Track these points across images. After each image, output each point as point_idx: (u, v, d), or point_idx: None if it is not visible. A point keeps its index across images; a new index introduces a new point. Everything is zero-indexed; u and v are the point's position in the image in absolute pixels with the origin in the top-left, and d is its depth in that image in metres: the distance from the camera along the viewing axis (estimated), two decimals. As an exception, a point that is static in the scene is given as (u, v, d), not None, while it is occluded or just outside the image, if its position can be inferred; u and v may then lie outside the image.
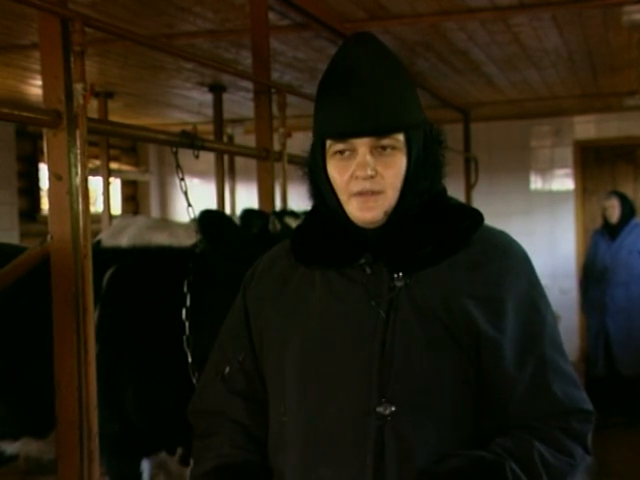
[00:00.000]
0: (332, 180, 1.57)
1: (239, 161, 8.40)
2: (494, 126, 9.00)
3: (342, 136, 1.53)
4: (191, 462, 1.85)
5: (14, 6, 3.89)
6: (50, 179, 2.54)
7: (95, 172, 6.87)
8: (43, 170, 7.64)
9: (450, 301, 1.51)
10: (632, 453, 5.95)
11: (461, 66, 6.27)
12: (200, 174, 8.72)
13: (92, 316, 2.59)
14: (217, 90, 6.57)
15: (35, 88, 6.21)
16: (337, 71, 1.56)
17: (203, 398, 1.75)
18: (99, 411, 2.58)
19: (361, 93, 1.51)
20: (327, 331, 1.56)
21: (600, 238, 6.89)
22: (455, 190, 6.59)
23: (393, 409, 1.47)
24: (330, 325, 1.56)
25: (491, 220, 1.68)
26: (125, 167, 9.29)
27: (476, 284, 1.53)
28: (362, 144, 1.52)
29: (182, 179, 3.18)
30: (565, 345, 1.61)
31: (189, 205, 3.14)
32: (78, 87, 2.49)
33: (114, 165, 8.47)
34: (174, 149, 3.12)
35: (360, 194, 1.54)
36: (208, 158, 6.02)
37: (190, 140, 3.17)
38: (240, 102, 7.19)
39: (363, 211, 1.55)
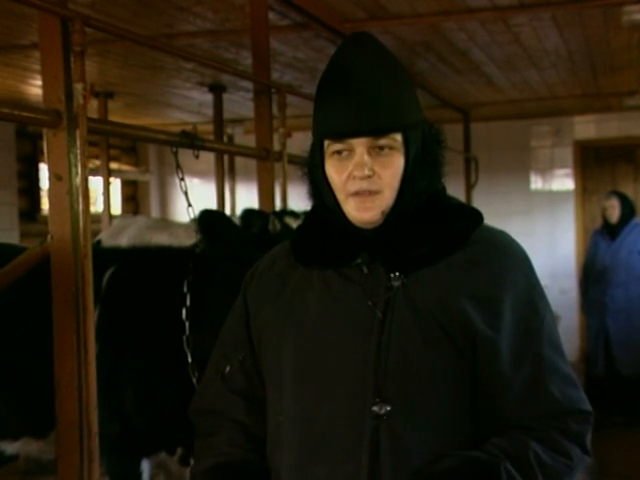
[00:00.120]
0: (330, 180, 1.57)
1: (239, 161, 8.40)
2: (494, 126, 9.00)
3: (339, 136, 1.54)
4: (191, 462, 1.85)
5: (14, 6, 3.89)
6: (50, 179, 2.54)
7: (95, 172, 6.87)
8: (43, 170, 7.64)
9: (447, 301, 1.51)
10: (632, 453, 5.94)
11: (461, 66, 6.27)
12: (200, 174, 8.72)
13: (92, 316, 2.59)
14: (217, 90, 6.57)
15: (35, 88, 6.22)
16: (335, 71, 1.57)
17: (204, 397, 1.76)
18: (99, 411, 2.58)
19: (358, 93, 1.52)
20: (324, 331, 1.56)
21: (600, 238, 6.89)
22: (455, 190, 6.60)
23: (388, 409, 1.48)
24: (327, 325, 1.56)
25: (491, 220, 1.68)
26: (125, 167, 9.29)
27: (474, 284, 1.53)
28: (359, 144, 1.53)
29: (182, 179, 3.18)
30: (565, 345, 1.60)
31: (189, 205, 3.14)
32: (78, 87, 2.49)
33: (114, 165, 8.47)
34: (174, 149, 3.12)
35: (357, 194, 1.54)
36: (208, 158, 6.02)
37: (190, 140, 3.17)
38: (240, 102, 7.19)
39: (360, 211, 1.55)
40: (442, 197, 1.63)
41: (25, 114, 2.49)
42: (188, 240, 3.20)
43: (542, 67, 6.39)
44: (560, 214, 8.91)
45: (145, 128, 3.99)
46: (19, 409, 3.22)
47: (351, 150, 1.54)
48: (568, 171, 8.93)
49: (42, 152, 2.74)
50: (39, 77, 2.74)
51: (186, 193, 3.16)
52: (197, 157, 3.22)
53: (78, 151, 2.52)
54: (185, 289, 2.99)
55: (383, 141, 1.53)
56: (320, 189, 1.60)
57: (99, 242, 3.77)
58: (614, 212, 6.76)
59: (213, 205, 6.45)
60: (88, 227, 2.55)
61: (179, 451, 3.12)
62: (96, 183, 7.45)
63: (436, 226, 1.58)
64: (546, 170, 8.99)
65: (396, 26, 5.00)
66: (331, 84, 1.56)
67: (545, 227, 8.93)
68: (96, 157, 7.01)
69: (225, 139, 7.57)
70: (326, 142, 1.57)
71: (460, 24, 5.00)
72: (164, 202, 9.86)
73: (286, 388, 1.58)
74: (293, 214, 3.10)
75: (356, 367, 1.51)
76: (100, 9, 4.36)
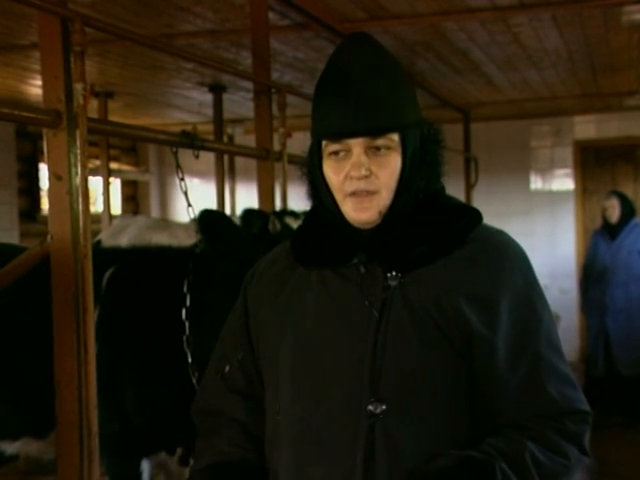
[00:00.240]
0: (328, 180, 1.58)
1: (239, 161, 8.40)
2: (494, 126, 9.00)
3: (336, 136, 1.54)
4: (191, 462, 1.86)
5: (14, 6, 3.89)
6: (50, 179, 2.54)
7: (95, 172, 6.87)
8: (43, 170, 7.64)
9: (443, 300, 1.51)
10: (632, 453, 5.94)
11: (461, 66, 6.27)
12: (200, 174, 8.72)
13: (92, 316, 2.59)
14: (217, 90, 6.57)
15: (35, 88, 6.22)
16: (332, 72, 1.57)
17: (204, 397, 1.76)
18: (99, 411, 2.58)
19: (355, 93, 1.52)
20: (321, 330, 1.57)
21: (600, 238, 6.89)
22: (455, 190, 6.60)
23: (384, 407, 1.48)
24: (324, 324, 1.57)
25: (491, 220, 1.68)
26: (125, 167, 9.30)
27: (471, 283, 1.53)
28: (356, 144, 1.53)
29: (182, 179, 3.18)
30: (565, 345, 1.60)
31: (189, 205, 3.14)
32: (78, 87, 2.49)
33: (114, 165, 8.47)
34: (174, 149, 3.12)
35: (355, 194, 1.54)
36: (208, 158, 6.02)
37: (190, 140, 3.17)
38: (240, 102, 7.19)
39: (358, 212, 1.55)
40: (441, 197, 1.63)
41: (25, 114, 2.49)
42: (188, 240, 3.20)
43: (542, 67, 6.39)
44: (560, 214, 8.91)
45: (145, 128, 3.99)
46: (19, 409, 3.22)
47: (348, 150, 1.54)
48: (568, 171, 8.93)
49: (42, 152, 2.74)
50: (39, 77, 2.74)
51: (186, 193, 3.16)
52: (197, 157, 3.22)
53: (78, 151, 2.52)
54: (185, 289, 2.99)
55: (380, 141, 1.53)
56: (318, 189, 1.61)
57: (99, 242, 3.77)
58: (614, 212, 6.76)
59: (213, 205, 6.45)
60: (88, 227, 2.55)
61: (179, 451, 3.12)
62: (96, 183, 7.45)
63: (434, 226, 1.58)
64: (546, 170, 9.00)
65: (396, 26, 5.00)
66: (328, 85, 1.56)
67: (545, 227, 8.93)
68: (96, 157, 7.01)
69: (225, 139, 7.57)
70: (324, 142, 1.57)
71: (460, 24, 5.00)
72: (164, 202, 9.86)
73: (283, 387, 1.59)
74: (293, 214, 3.10)
75: (352, 367, 1.51)
76: (100, 9, 4.36)
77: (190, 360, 2.95)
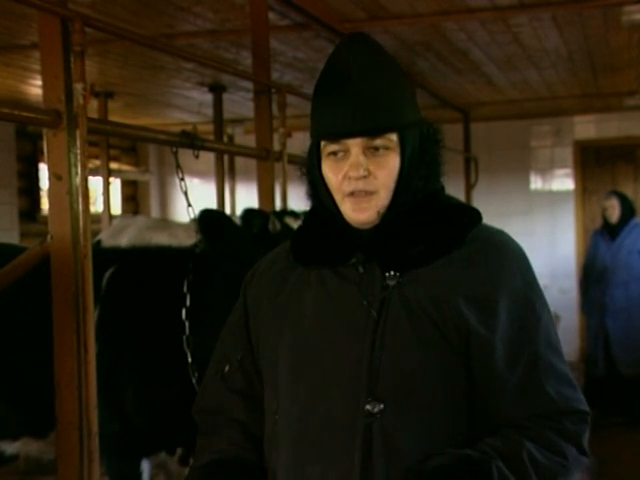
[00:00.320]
0: (327, 180, 1.58)
1: (239, 161, 8.40)
2: (494, 126, 9.00)
3: (334, 137, 1.54)
4: (191, 461, 1.86)
5: (14, 6, 3.89)
6: (50, 179, 2.55)
7: (95, 172, 6.87)
8: (43, 170, 7.64)
9: (442, 300, 1.51)
10: (632, 453, 5.94)
11: (461, 66, 6.27)
12: (200, 174, 8.72)
13: (92, 316, 2.59)
14: (217, 90, 6.57)
15: (35, 88, 6.22)
16: (330, 73, 1.57)
17: (204, 397, 1.77)
18: (99, 411, 2.58)
19: (353, 94, 1.52)
20: (320, 330, 1.57)
21: (600, 238, 6.89)
22: (455, 190, 6.60)
23: (381, 407, 1.48)
24: (323, 324, 1.57)
25: (491, 220, 1.68)
26: (125, 167, 9.29)
27: (470, 283, 1.53)
28: (355, 145, 1.53)
29: (182, 179, 3.18)
30: (565, 345, 1.60)
31: (189, 205, 3.14)
32: (78, 87, 2.49)
33: (114, 165, 8.47)
34: (174, 149, 3.13)
35: (353, 194, 1.54)
36: (208, 158, 6.02)
37: (190, 140, 3.17)
38: (240, 102, 7.19)
39: (357, 212, 1.55)
40: (440, 197, 1.63)
41: (25, 114, 2.49)
42: (188, 240, 3.20)
43: (542, 67, 6.39)
44: (560, 214, 8.91)
45: (145, 128, 3.99)
46: (19, 409, 3.22)
47: (347, 151, 1.54)
48: (568, 171, 8.93)
49: (42, 152, 2.74)
50: (39, 77, 2.74)
51: (186, 193, 3.16)
52: (197, 157, 3.23)
53: (78, 151, 2.52)
54: (185, 289, 2.99)
55: (378, 141, 1.53)
56: (318, 190, 1.61)
57: (99, 242, 3.77)
58: (614, 212, 6.76)
59: (213, 205, 6.45)
60: (88, 227, 2.55)
61: (179, 451, 3.12)
62: (96, 183, 7.45)
63: (433, 225, 1.58)
64: (546, 170, 9.00)
65: (396, 26, 5.00)
66: (326, 85, 1.57)
67: (545, 227, 8.93)
68: (96, 157, 7.01)
69: (225, 139, 7.57)
70: (322, 143, 1.57)
71: (460, 24, 5.00)
72: (164, 202, 9.86)
73: (282, 387, 1.59)
74: (293, 214, 3.10)
75: (350, 366, 1.51)
76: (100, 9, 4.36)
77: (190, 360, 2.95)
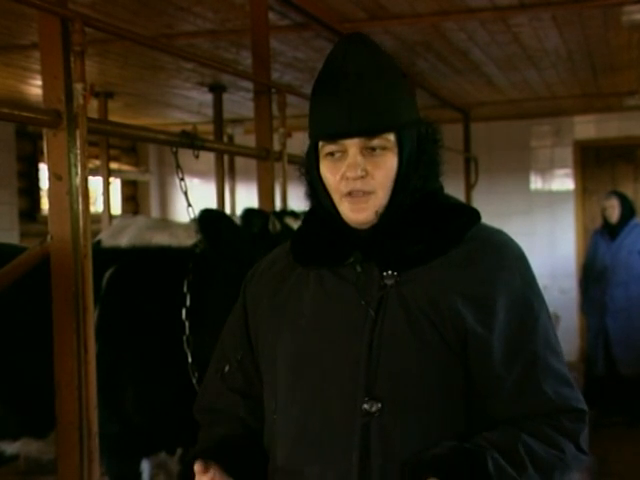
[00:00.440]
0: (325, 181, 1.58)
1: (239, 161, 8.40)
2: (494, 126, 9.00)
3: (332, 137, 1.55)
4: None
5: (14, 6, 3.89)
6: (50, 179, 2.55)
7: (95, 172, 6.87)
8: (43, 170, 7.64)
9: (439, 299, 1.51)
10: (632, 453, 5.94)
11: (461, 66, 6.27)
12: (200, 174, 8.72)
13: (92, 316, 2.59)
14: (217, 90, 6.57)
15: (35, 88, 6.21)
16: (327, 73, 1.58)
17: (205, 396, 1.78)
18: (99, 411, 2.58)
19: (350, 94, 1.52)
20: (318, 330, 1.57)
21: (600, 238, 6.89)
22: (455, 190, 6.58)
23: (379, 406, 1.48)
24: (321, 324, 1.57)
25: (491, 220, 1.68)
26: (125, 167, 9.30)
27: (468, 282, 1.53)
28: (352, 145, 1.53)
29: (182, 179, 3.18)
30: (565, 345, 1.59)
31: (189, 205, 3.14)
32: (78, 87, 2.49)
33: (114, 165, 8.47)
34: (174, 149, 3.13)
35: (351, 194, 1.55)
36: (208, 158, 6.02)
37: (190, 140, 3.17)
38: (240, 102, 7.19)
39: (355, 212, 1.56)
40: (439, 196, 1.63)
41: (25, 114, 2.49)
42: (188, 240, 3.20)
43: (542, 67, 6.39)
44: (560, 214, 8.91)
45: (145, 128, 3.99)
46: (19, 409, 3.22)
47: (344, 151, 1.55)
48: (568, 171, 8.93)
49: (42, 152, 2.74)
50: (39, 77, 2.74)
51: (186, 193, 3.16)
52: (197, 157, 3.23)
53: (78, 151, 2.52)
54: (185, 289, 2.99)
55: (375, 141, 1.54)
56: (316, 190, 1.61)
57: (99, 242, 3.77)
58: (614, 212, 6.76)
59: (213, 205, 6.45)
60: (88, 227, 2.55)
61: (179, 451, 3.12)
62: (96, 183, 7.45)
63: (431, 225, 1.58)
64: (546, 170, 9.00)
65: (396, 26, 5.00)
66: (324, 86, 1.57)
67: (545, 227, 8.93)
68: (96, 157, 7.01)
69: (225, 139, 7.57)
70: (320, 143, 1.58)
71: (460, 24, 5.00)
72: (164, 202, 9.86)
73: (280, 387, 1.60)
74: (293, 214, 3.10)
75: (349, 366, 1.51)
76: (100, 9, 4.36)
77: (190, 360, 2.95)
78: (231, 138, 8.49)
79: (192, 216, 3.08)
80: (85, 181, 2.55)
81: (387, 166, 1.55)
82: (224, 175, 6.90)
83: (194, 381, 2.93)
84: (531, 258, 1.64)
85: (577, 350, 8.29)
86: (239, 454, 1.62)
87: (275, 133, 4.10)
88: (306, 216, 1.72)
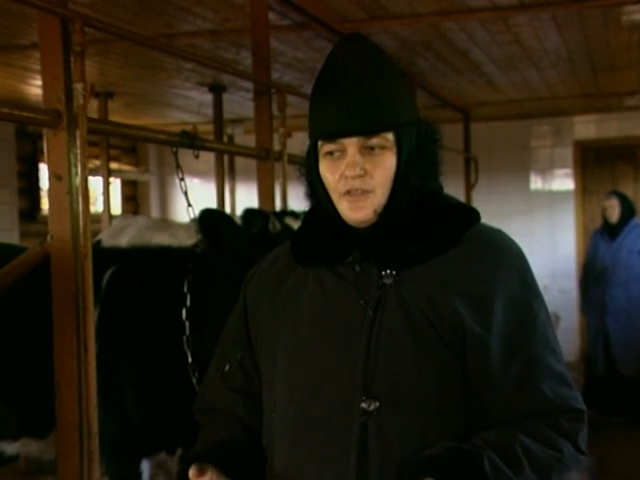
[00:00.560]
0: (324, 180, 1.59)
1: (239, 161, 8.40)
2: (494, 126, 9.00)
3: (331, 136, 1.55)
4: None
5: (14, 6, 3.89)
6: (50, 179, 2.55)
7: (95, 172, 6.87)
8: (43, 170, 7.64)
9: (437, 298, 1.51)
10: (632, 453, 5.94)
11: (461, 66, 6.27)
12: (200, 174, 8.72)
13: (92, 316, 2.59)
14: (217, 90, 6.57)
15: (35, 88, 6.22)
16: (327, 73, 1.58)
17: (205, 396, 1.78)
18: (99, 411, 2.58)
19: (348, 94, 1.53)
20: (316, 329, 1.57)
21: (600, 238, 6.89)
22: (455, 190, 6.59)
23: (377, 404, 1.48)
24: (320, 323, 1.57)
25: (491, 220, 1.68)
26: (125, 167, 9.30)
27: (466, 281, 1.53)
28: (351, 144, 1.54)
29: (182, 179, 3.18)
30: (565, 345, 1.59)
31: (189, 205, 3.14)
32: (78, 87, 2.49)
33: (114, 165, 8.47)
34: (174, 149, 3.13)
35: (349, 193, 1.55)
36: (208, 158, 6.02)
37: (190, 140, 3.17)
38: (240, 102, 7.20)
39: (353, 211, 1.56)
40: (438, 196, 1.63)
41: (25, 114, 2.49)
42: (188, 240, 3.20)
43: (542, 67, 6.40)
44: (560, 214, 8.91)
45: (145, 128, 3.99)
46: (19, 409, 3.22)
47: (343, 150, 1.55)
48: (568, 171, 8.93)
49: (42, 152, 2.74)
50: (39, 77, 2.74)
51: (186, 193, 3.16)
52: (197, 157, 3.23)
53: (78, 151, 2.52)
54: (185, 289, 2.99)
55: (374, 140, 1.54)
56: (315, 189, 1.62)
57: (99, 242, 3.77)
58: (614, 212, 6.76)
59: (213, 205, 6.45)
60: (88, 227, 2.55)
61: (179, 451, 3.12)
62: (96, 183, 7.45)
63: (429, 224, 1.58)
64: (546, 170, 9.00)
65: (396, 26, 5.01)
66: (323, 86, 1.58)
67: (545, 227, 8.93)
68: (96, 157, 7.01)
69: (225, 139, 7.57)
70: (319, 143, 1.58)
71: (460, 24, 5.00)
72: (164, 202, 9.86)
73: (278, 386, 1.60)
74: (293, 214, 3.10)
75: (347, 366, 1.52)
76: (100, 9, 4.36)
77: (190, 360, 2.95)
78: (231, 138, 8.49)
79: (192, 216, 3.08)
80: (85, 181, 2.55)
81: (386, 165, 1.55)
82: (224, 175, 6.91)
83: (194, 381, 2.93)
84: (531, 258, 1.64)
85: (577, 350, 8.29)
86: (237, 456, 1.62)
87: (275, 133, 4.10)
88: (306, 216, 1.72)
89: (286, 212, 3.20)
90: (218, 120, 6.56)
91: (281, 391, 1.59)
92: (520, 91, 7.49)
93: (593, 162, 8.88)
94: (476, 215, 1.62)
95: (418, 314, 1.51)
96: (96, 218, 6.36)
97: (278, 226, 2.99)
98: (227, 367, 1.72)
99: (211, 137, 6.33)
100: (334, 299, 1.57)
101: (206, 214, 2.96)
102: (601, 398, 6.45)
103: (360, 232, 1.58)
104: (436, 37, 5.31)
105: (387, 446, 1.48)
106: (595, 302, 6.79)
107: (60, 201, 2.53)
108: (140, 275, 3.19)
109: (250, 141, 4.43)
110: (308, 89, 1.65)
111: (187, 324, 2.96)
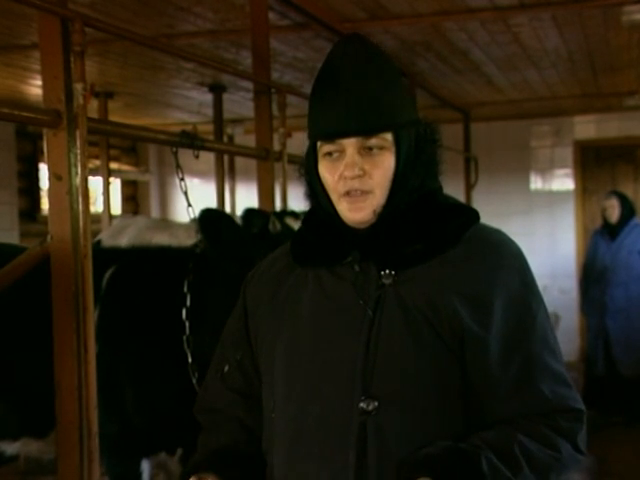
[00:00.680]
0: (323, 181, 1.59)
1: (239, 161, 8.40)
2: (494, 126, 9.00)
3: (329, 137, 1.55)
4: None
5: (14, 6, 3.89)
6: (50, 179, 2.55)
7: (95, 172, 6.87)
8: (43, 170, 7.64)
9: (437, 298, 1.51)
10: (632, 453, 5.94)
11: (461, 66, 6.27)
12: (200, 174, 8.72)
13: (92, 316, 2.59)
14: (217, 90, 6.57)
15: (35, 88, 6.22)
16: (326, 73, 1.58)
17: (205, 396, 1.78)
18: (99, 411, 2.58)
19: (347, 94, 1.53)
20: (316, 330, 1.58)
21: (600, 238, 6.89)
22: (455, 190, 6.60)
23: (376, 404, 1.48)
24: (319, 324, 1.58)
25: (491, 220, 1.68)
26: (125, 167, 9.30)
27: (465, 281, 1.53)
28: (350, 144, 1.54)
29: (182, 179, 3.18)
30: (565, 345, 1.59)
31: (189, 205, 3.14)
32: (78, 87, 2.49)
33: (114, 165, 8.47)
34: (174, 149, 3.13)
35: (349, 194, 1.55)
36: (208, 158, 6.02)
37: (190, 140, 3.17)
38: (240, 102, 7.20)
39: (352, 212, 1.56)
40: (437, 196, 1.63)
41: (25, 114, 2.49)
42: (188, 240, 3.20)
43: (542, 67, 6.40)
44: (560, 214, 8.92)
45: (145, 128, 3.99)
46: (19, 409, 3.22)
47: (342, 151, 1.55)
48: (568, 171, 8.93)
49: (42, 152, 2.74)
50: (39, 77, 2.74)
51: (186, 193, 3.16)
52: (197, 157, 3.23)
53: (78, 151, 2.52)
54: (185, 289, 2.99)
55: (373, 141, 1.54)
56: (315, 190, 1.62)
57: (99, 242, 3.77)
58: (614, 212, 6.76)
59: (213, 205, 6.44)
60: (88, 227, 2.55)
61: (179, 451, 3.12)
62: (96, 183, 7.45)
63: (429, 224, 1.58)
64: (546, 170, 9.00)
65: (396, 26, 5.01)
66: (322, 86, 1.58)
67: (545, 227, 8.93)
68: (96, 157, 7.01)
69: (225, 139, 7.57)
70: (318, 143, 1.58)
71: (460, 24, 5.00)
72: (164, 202, 9.87)
73: (278, 386, 1.60)
74: (293, 214, 3.10)
75: (346, 366, 1.52)
76: (100, 9, 4.36)
77: (190, 360, 2.95)
78: (231, 138, 8.49)
79: (192, 216, 3.08)
80: (85, 181, 2.55)
81: (385, 165, 1.55)
82: (224, 175, 6.91)
83: (194, 381, 2.93)
84: (531, 258, 1.64)
85: (577, 350, 8.29)
86: (237, 462, 1.63)
87: (275, 133, 4.10)
88: (306, 216, 1.73)
89: (286, 212, 3.20)
90: (218, 120, 6.56)
91: (280, 391, 1.59)
92: (520, 91, 7.49)
93: (593, 162, 8.88)
94: (475, 215, 1.62)
95: (417, 314, 1.51)
96: (96, 218, 6.36)
97: (278, 226, 2.99)
98: (227, 368, 1.72)
99: (211, 137, 6.33)
100: (333, 299, 1.57)
101: (206, 214, 2.96)
102: (601, 398, 6.45)
103: (359, 232, 1.58)
104: (436, 37, 5.31)
105: (386, 446, 1.48)
106: (595, 302, 6.79)
107: (60, 201, 2.53)
108: (140, 275, 3.19)
109: (250, 141, 4.43)
110: (308, 89, 1.66)
111: (187, 324, 2.96)
